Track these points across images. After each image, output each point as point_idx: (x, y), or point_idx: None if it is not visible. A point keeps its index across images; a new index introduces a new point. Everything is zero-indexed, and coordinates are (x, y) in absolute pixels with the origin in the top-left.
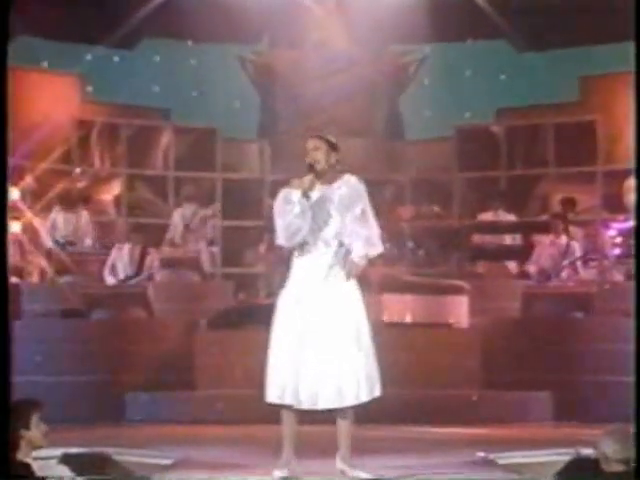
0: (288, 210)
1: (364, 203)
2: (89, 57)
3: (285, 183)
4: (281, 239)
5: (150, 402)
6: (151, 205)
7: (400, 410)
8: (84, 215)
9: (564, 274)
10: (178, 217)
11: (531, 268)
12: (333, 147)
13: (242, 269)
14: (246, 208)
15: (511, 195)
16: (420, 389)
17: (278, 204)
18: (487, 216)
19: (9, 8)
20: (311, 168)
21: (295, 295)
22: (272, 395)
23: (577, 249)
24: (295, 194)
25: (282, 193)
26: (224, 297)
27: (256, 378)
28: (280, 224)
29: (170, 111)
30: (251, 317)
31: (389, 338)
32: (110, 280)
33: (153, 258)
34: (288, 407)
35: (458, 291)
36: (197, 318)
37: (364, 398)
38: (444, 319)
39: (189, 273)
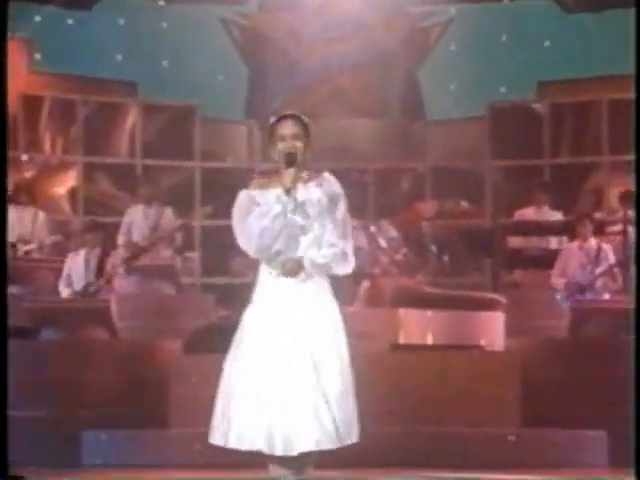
0: (262, 212)
1: (344, 210)
2: (37, 19)
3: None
4: (251, 248)
5: (112, 442)
6: (114, 200)
7: (418, 451)
8: (40, 215)
9: (599, 284)
10: (140, 215)
11: (558, 280)
12: (308, 134)
13: (226, 279)
14: (231, 204)
15: (557, 188)
16: (444, 426)
17: (240, 207)
18: (527, 214)
19: None
20: (290, 159)
21: (265, 315)
22: (233, 438)
23: (610, 254)
24: (266, 194)
25: (243, 194)
26: (204, 313)
27: None
28: (249, 230)
29: (137, 85)
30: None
31: (405, 363)
32: (65, 292)
33: (115, 262)
34: (255, 453)
35: (492, 306)
36: (170, 339)
37: (353, 439)
38: (474, 340)
39: (160, 284)
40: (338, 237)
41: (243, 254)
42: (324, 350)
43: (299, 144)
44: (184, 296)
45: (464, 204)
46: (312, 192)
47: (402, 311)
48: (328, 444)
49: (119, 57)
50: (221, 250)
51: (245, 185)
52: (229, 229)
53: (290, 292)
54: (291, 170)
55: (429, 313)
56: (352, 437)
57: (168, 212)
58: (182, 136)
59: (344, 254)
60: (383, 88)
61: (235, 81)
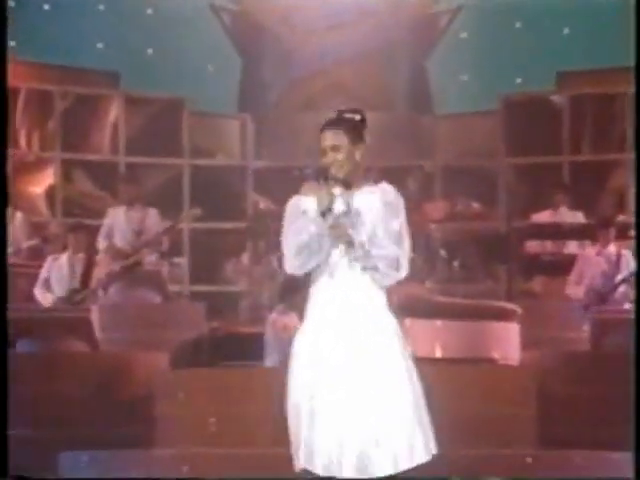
0: (302, 227)
1: (402, 220)
2: (11, 3)
3: (274, 171)
4: (290, 264)
5: (93, 464)
6: (94, 201)
7: (428, 474)
8: (17, 216)
9: (619, 293)
10: (123, 217)
11: (577, 289)
12: (358, 136)
13: (217, 287)
14: (223, 205)
15: (576, 188)
16: (455, 447)
17: (290, 215)
18: (545, 216)
19: None
20: (328, 174)
21: (322, 333)
22: (319, 465)
23: (631, 260)
24: (312, 205)
25: (294, 200)
26: (193, 324)
27: (234, 433)
28: (290, 244)
29: (119, 75)
30: (229, 351)
31: None
32: (43, 300)
33: (102, 271)
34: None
35: (506, 316)
36: (156, 352)
37: (423, 459)
38: (488, 353)
39: (145, 292)
40: (392, 245)
41: (235, 260)
42: (390, 367)
43: (340, 156)
44: (171, 305)
45: (476, 205)
46: (365, 200)
47: (408, 321)
48: (405, 464)
49: (100, 45)
50: (212, 255)
51: (237, 184)
52: (220, 232)
53: (348, 302)
54: (328, 188)
55: (438, 323)
56: (429, 453)
57: (153, 214)
58: (169, 131)
59: (396, 259)
60: (387, 79)
61: (226, 71)
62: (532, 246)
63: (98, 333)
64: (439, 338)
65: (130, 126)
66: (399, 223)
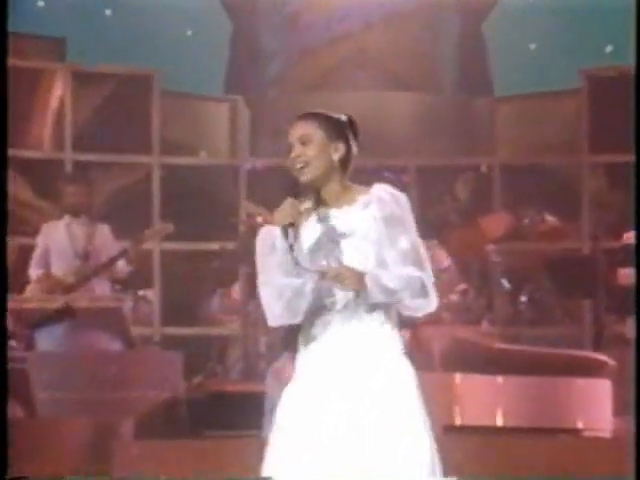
0: (270, 270)
1: (411, 230)
2: None
3: (275, 173)
4: (270, 318)
5: None
6: (31, 211)
7: None
8: None
9: None
10: (63, 234)
11: None
12: (339, 134)
13: (199, 329)
14: (206, 219)
15: None
16: None
17: (259, 255)
18: None
19: None
20: (298, 173)
21: (316, 388)
22: None
23: None
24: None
25: (264, 231)
26: (166, 380)
27: None
28: (262, 294)
29: (65, 43)
30: (215, 417)
31: (465, 453)
32: None
33: (33, 310)
34: None
35: (593, 370)
36: (117, 418)
37: None
38: (567, 421)
39: (99, 336)
40: (408, 265)
41: (223, 292)
42: (401, 444)
43: (312, 151)
44: (136, 355)
45: (550, 219)
46: (355, 218)
47: (459, 377)
48: None
49: (41, 3)
50: (191, 287)
51: (226, 190)
52: (203, 256)
53: (349, 351)
54: (317, 188)
55: (499, 380)
56: None
57: (104, 230)
58: (133, 118)
59: (419, 283)
60: (429, 49)
61: (212, 38)
62: (627, 275)
63: (36, 392)
64: (501, 400)
65: (79, 111)
66: (409, 239)
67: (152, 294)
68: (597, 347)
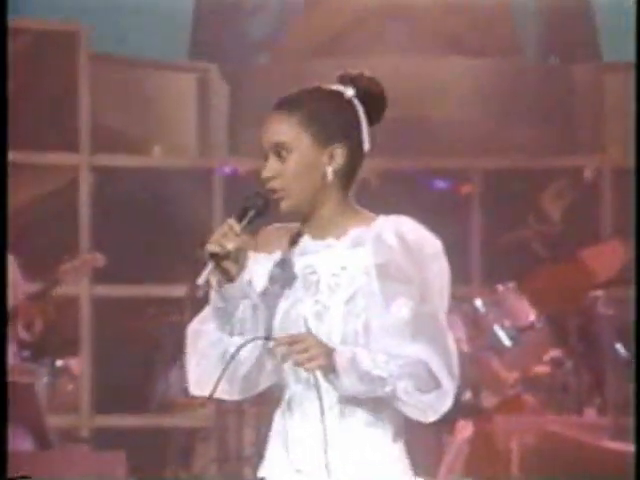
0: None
1: (440, 292)
2: None
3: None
4: (189, 380)
5: None
6: None
7: None
8: None
9: None
10: None
11: None
12: (337, 124)
13: (149, 418)
14: (162, 250)
15: None
16: None
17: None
18: None
19: None
20: (263, 201)
21: None
22: None
23: None
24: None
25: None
26: None
27: None
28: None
29: None
30: None
31: None
32: None
33: None
34: None
35: None
36: None
37: None
38: None
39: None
40: (409, 341)
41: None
42: None
43: (291, 167)
44: (55, 455)
45: None
46: (335, 258)
47: None
48: None
49: None
50: (137, 354)
51: (193, 204)
52: (156, 304)
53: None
54: (305, 215)
55: None
56: None
57: (9, 265)
58: (53, 97)
59: (427, 370)
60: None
61: None
62: None
63: None
64: None
65: None
66: (413, 303)
67: (77, 364)
68: None
